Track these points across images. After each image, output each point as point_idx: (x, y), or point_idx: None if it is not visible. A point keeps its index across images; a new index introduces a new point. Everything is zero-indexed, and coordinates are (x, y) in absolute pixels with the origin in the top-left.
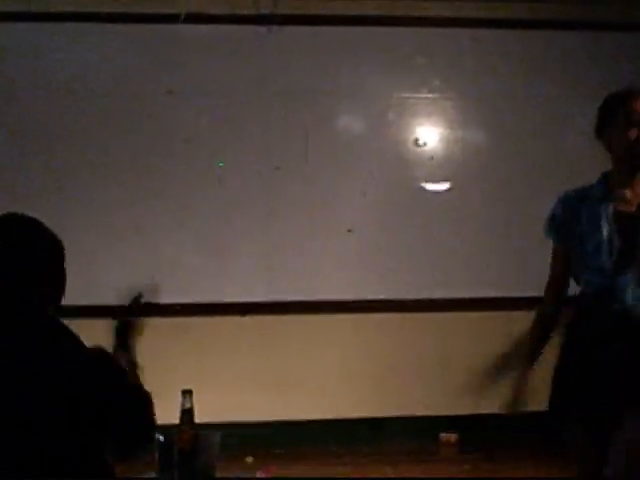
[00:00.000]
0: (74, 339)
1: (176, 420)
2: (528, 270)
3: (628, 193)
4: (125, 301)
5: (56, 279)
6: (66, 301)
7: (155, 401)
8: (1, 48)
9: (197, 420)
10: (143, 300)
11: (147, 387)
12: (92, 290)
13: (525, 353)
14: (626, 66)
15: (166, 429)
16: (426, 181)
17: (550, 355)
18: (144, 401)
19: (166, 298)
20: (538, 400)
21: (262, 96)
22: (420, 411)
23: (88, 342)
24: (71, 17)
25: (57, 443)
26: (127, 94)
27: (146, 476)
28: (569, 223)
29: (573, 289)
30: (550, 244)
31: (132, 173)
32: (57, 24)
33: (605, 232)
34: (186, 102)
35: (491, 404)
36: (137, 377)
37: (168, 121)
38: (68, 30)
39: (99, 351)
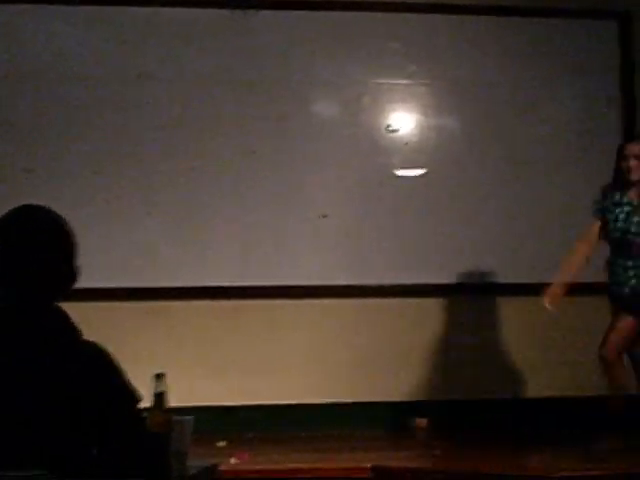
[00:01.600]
0: (75, 336)
1: (148, 404)
2: (501, 256)
3: None
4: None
5: (67, 275)
6: None
7: None
8: None
9: (169, 404)
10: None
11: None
12: None
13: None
14: (599, 52)
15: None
16: (400, 167)
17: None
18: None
19: (139, 282)
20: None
21: (236, 80)
22: (391, 397)
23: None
24: None
25: (54, 443)
26: (98, 78)
27: None
28: None
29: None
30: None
31: (105, 158)
32: (27, 5)
33: None
34: (159, 86)
35: (462, 390)
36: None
37: (140, 106)
38: (38, 12)
39: (97, 350)
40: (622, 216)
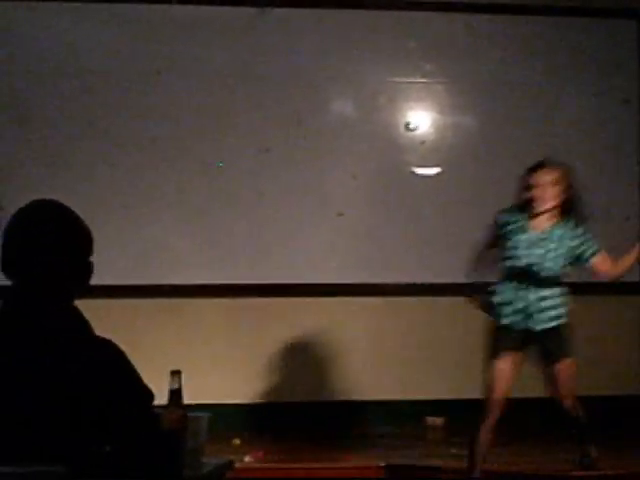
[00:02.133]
0: (87, 333)
1: (164, 401)
2: None
3: None
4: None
5: (82, 272)
6: None
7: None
8: None
9: (185, 401)
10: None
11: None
12: None
13: None
14: (619, 53)
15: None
16: (417, 165)
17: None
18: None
19: (154, 279)
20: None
21: (253, 78)
22: (408, 395)
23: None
24: None
25: (67, 440)
26: (116, 74)
27: None
28: None
29: None
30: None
31: (120, 153)
32: (46, 3)
33: None
34: (176, 83)
35: (478, 388)
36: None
37: (157, 101)
38: (57, 9)
39: (109, 347)
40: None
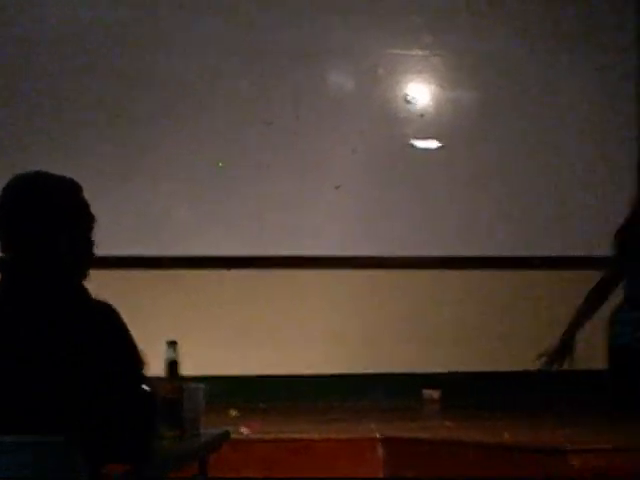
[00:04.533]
0: (85, 296)
1: (161, 372)
2: (516, 228)
3: None
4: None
5: (81, 247)
6: None
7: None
8: None
9: (183, 373)
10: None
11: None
12: None
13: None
14: (617, 26)
15: (151, 380)
16: (416, 138)
17: None
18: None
19: (154, 250)
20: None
21: (253, 51)
22: (404, 368)
23: None
24: None
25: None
26: (118, 46)
27: None
28: None
29: None
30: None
31: (121, 123)
32: None
33: None
34: (178, 55)
35: (474, 361)
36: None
37: (160, 73)
38: None
39: (107, 309)
40: None
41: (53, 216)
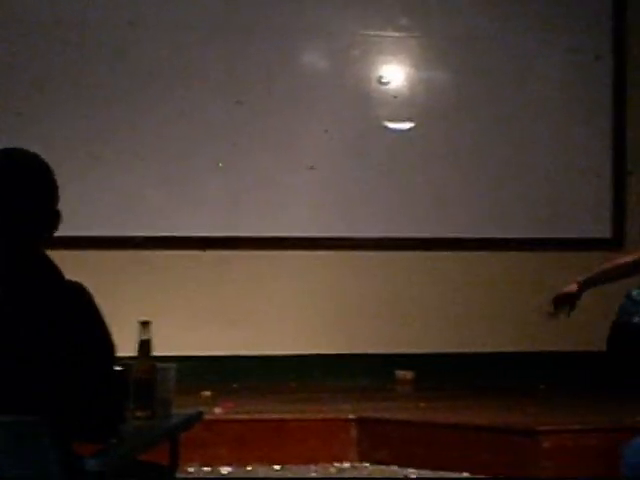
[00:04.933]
0: (57, 276)
1: (134, 352)
2: (488, 210)
3: None
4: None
5: (48, 219)
6: None
7: (113, 331)
8: None
9: (154, 353)
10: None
11: (106, 318)
12: None
13: None
14: (592, 8)
15: (123, 360)
16: (389, 120)
17: None
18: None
19: (127, 231)
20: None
21: (225, 30)
22: (378, 348)
23: None
24: None
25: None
26: (90, 24)
27: None
28: None
29: None
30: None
31: (92, 104)
32: None
33: None
34: (148, 34)
35: (448, 342)
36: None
37: (130, 53)
38: None
39: (79, 289)
40: None
41: (22, 188)
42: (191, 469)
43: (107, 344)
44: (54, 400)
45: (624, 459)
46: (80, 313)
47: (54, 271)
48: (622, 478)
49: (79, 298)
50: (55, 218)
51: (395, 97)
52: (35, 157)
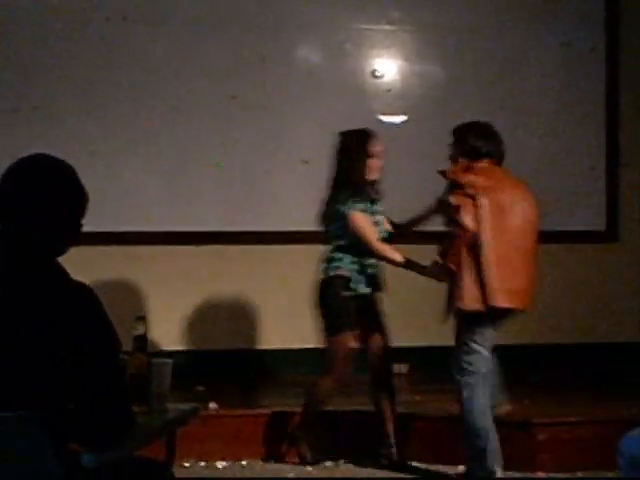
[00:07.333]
0: (65, 277)
1: (129, 347)
2: None
3: None
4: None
5: (70, 229)
6: None
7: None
8: None
9: (150, 347)
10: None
11: None
12: None
13: None
14: (588, 2)
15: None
16: (383, 113)
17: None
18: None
19: (120, 226)
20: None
21: (220, 24)
22: None
23: None
24: None
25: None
26: (85, 19)
27: None
28: None
29: None
30: None
31: (86, 98)
32: None
33: None
34: (141, 28)
35: (444, 335)
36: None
37: (123, 47)
38: None
39: (85, 290)
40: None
41: (45, 194)
42: (187, 464)
43: (111, 344)
44: (53, 399)
45: (620, 451)
46: (81, 313)
47: (58, 272)
48: (618, 470)
49: (81, 298)
50: (73, 229)
51: (389, 90)
52: (63, 165)
